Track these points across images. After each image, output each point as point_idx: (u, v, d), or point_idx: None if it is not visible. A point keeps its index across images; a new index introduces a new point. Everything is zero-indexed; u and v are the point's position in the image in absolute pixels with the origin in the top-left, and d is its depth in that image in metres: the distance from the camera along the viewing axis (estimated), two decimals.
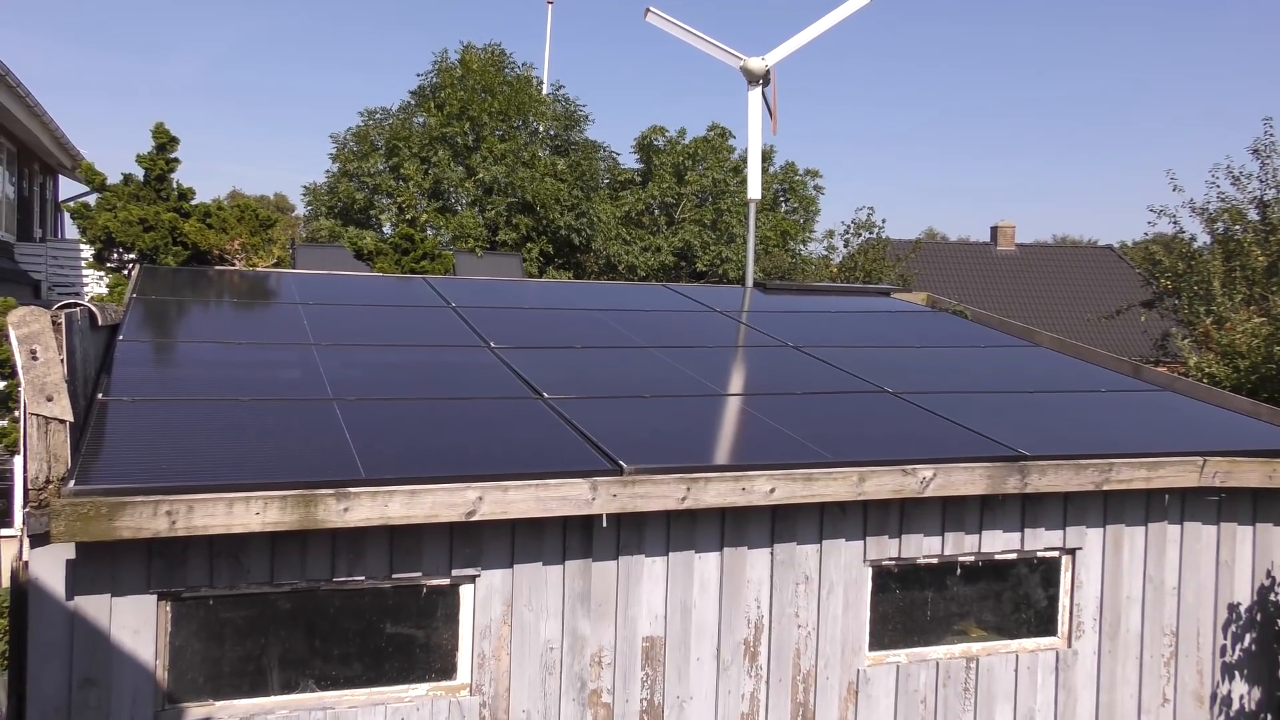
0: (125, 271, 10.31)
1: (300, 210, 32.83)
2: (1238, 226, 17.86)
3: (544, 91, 27.44)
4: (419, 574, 4.74)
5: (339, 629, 4.66)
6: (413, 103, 26.90)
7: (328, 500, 4.30)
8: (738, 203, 27.27)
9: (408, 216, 22.51)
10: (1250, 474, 5.84)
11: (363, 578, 4.64)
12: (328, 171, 26.48)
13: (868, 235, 25.26)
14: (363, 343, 6.82)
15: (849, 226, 25.48)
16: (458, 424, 5.36)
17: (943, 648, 5.67)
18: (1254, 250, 16.58)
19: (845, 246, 25.54)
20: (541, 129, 26.69)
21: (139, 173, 10.97)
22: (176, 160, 10.97)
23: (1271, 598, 6.14)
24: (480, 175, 24.13)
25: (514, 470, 4.75)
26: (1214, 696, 6.07)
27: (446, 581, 4.82)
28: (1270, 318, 13.20)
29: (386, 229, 24.81)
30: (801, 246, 29.52)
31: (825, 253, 26.43)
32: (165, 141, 10.85)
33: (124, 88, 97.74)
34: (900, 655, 5.58)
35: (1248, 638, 6.11)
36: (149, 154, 10.87)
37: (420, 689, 4.78)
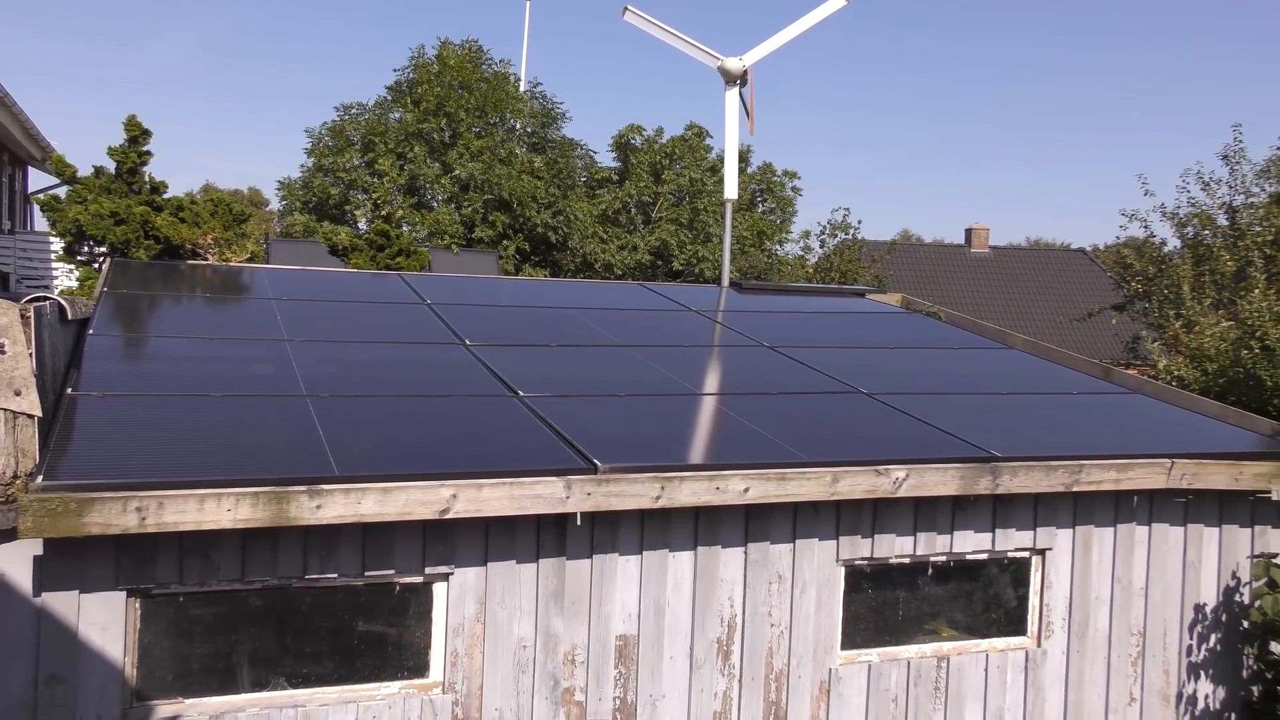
0: (96, 265, 10.20)
1: (275, 205, 32.61)
2: (1207, 231, 18.07)
3: (521, 89, 27.39)
4: (392, 572, 4.72)
5: (311, 627, 4.64)
6: (389, 98, 26.79)
7: (300, 497, 4.28)
8: (715, 202, 27.33)
9: (383, 213, 22.42)
10: (1217, 476, 5.91)
11: (335, 575, 4.61)
12: (303, 166, 26.31)
13: (844, 236, 25.38)
14: (337, 339, 6.78)
15: (825, 227, 25.59)
16: (432, 421, 5.34)
17: (914, 647, 5.70)
18: (1223, 255, 16.78)
19: (821, 247, 25.65)
20: (519, 126, 26.65)
21: (110, 165, 10.85)
22: (149, 153, 10.86)
23: (1237, 598, 6.22)
24: (457, 172, 24.06)
25: (488, 468, 4.74)
26: (1180, 696, 6.14)
27: (420, 579, 4.81)
28: (1238, 322, 13.36)
29: (362, 225, 24.69)
30: (778, 247, 29.62)
31: (801, 253, 26.55)
32: (137, 134, 10.74)
33: (96, 79, 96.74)
34: (872, 654, 5.61)
35: (1213, 638, 6.19)
36: (121, 146, 10.76)
37: (393, 687, 4.76)
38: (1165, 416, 6.90)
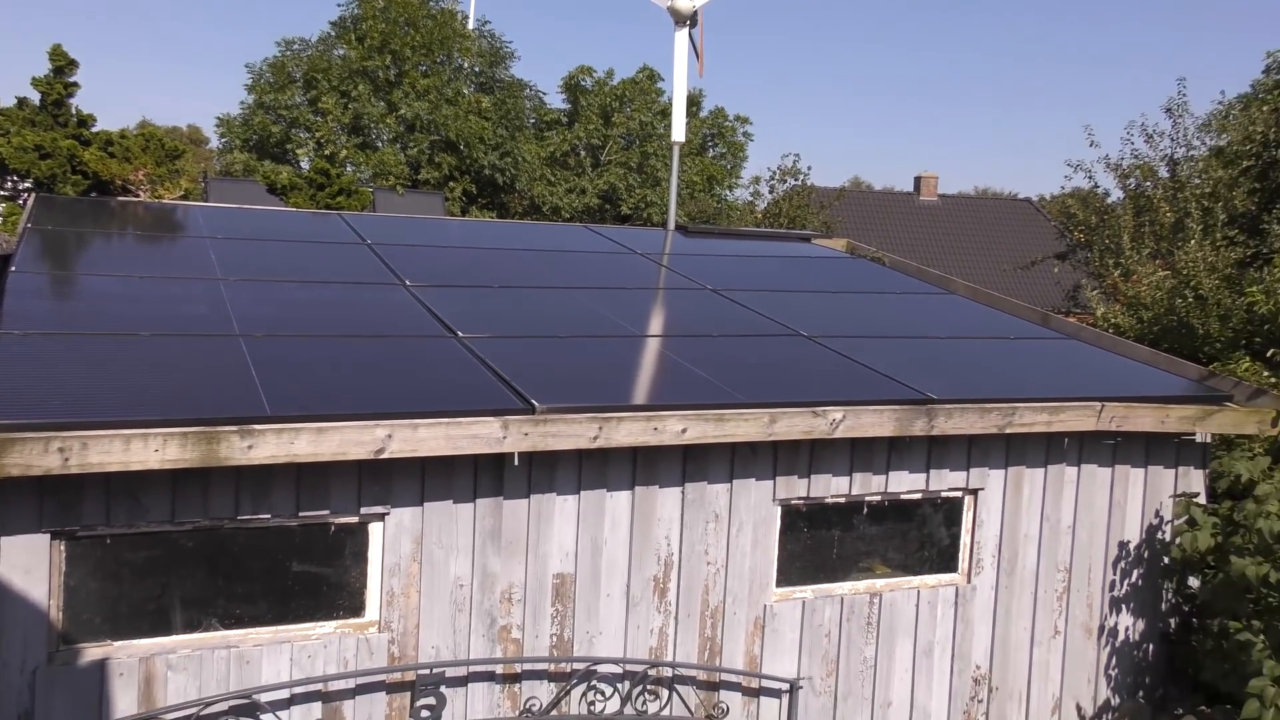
0: (20, 200, 9.88)
1: (215, 143, 31.74)
2: (1149, 183, 18.30)
3: (469, 27, 26.83)
4: (327, 512, 4.69)
5: (244, 568, 4.60)
6: (332, 34, 26.10)
7: (231, 437, 4.22)
8: (665, 146, 27.13)
9: (326, 152, 21.95)
10: (1144, 419, 6.05)
11: (268, 516, 4.57)
12: (243, 103, 25.60)
13: (793, 182, 25.36)
14: (273, 278, 6.66)
15: (775, 173, 25.54)
16: (369, 362, 5.28)
17: (848, 584, 5.81)
18: (1163, 206, 17.02)
19: (771, 193, 25.62)
20: (466, 65, 26.15)
21: (35, 97, 10.47)
22: (75, 84, 10.49)
23: (1159, 536, 6.40)
24: (402, 111, 23.59)
25: (425, 408, 4.71)
26: (1102, 629, 6.34)
27: (355, 520, 4.78)
28: (1174, 271, 13.61)
29: (304, 164, 24.16)
30: (728, 192, 29.54)
31: (751, 199, 26.50)
32: (63, 64, 10.36)
33: (20, 6, 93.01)
34: (807, 591, 5.71)
35: (1135, 573, 6.38)
36: (45, 77, 10.38)
37: (327, 627, 4.76)
38: (1098, 361, 7.03)
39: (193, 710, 4.38)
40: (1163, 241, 16.75)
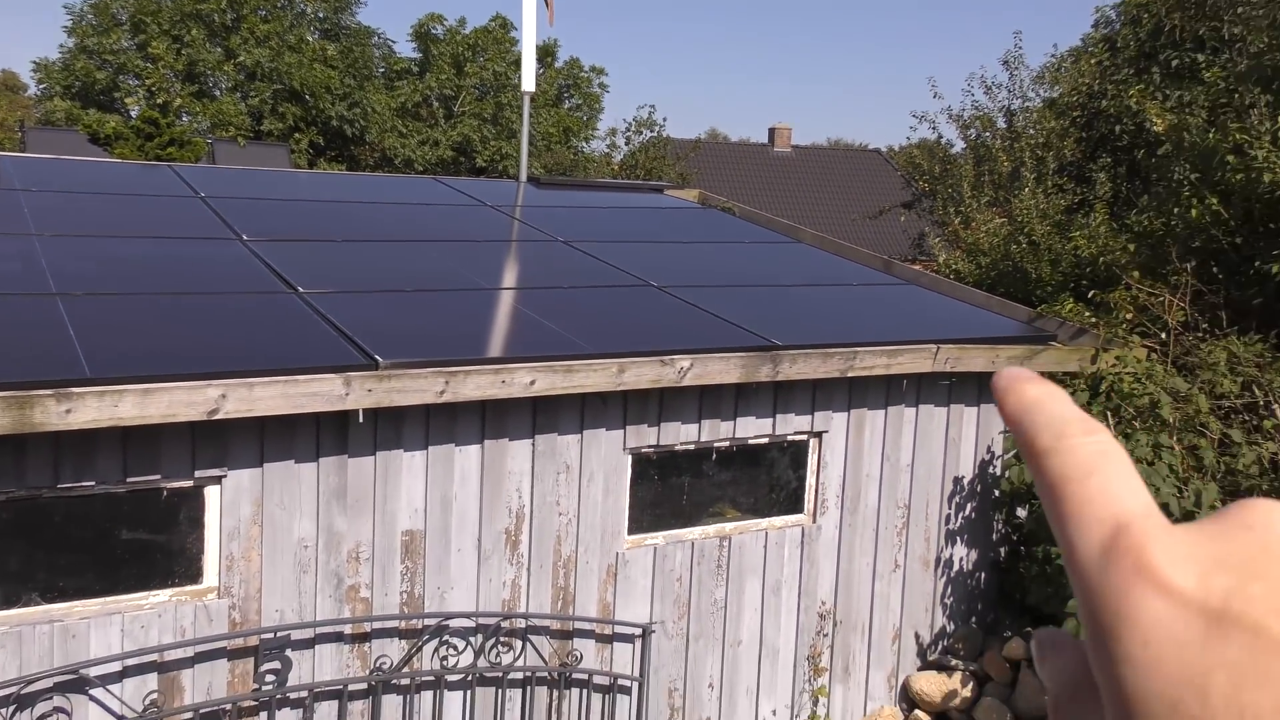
0: None
1: (33, 90, 29.64)
2: (988, 133, 19.02)
3: None
4: (158, 477, 4.49)
5: (68, 538, 4.38)
6: None
7: (46, 402, 3.98)
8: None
9: (159, 101, 20.80)
10: (976, 359, 6.33)
11: (93, 483, 4.35)
12: (63, 47, 23.93)
13: (649, 134, 25.37)
14: (94, 233, 6.29)
15: (630, 125, 25.49)
16: (200, 319, 5.05)
17: (698, 529, 5.93)
18: (1000, 156, 17.73)
19: (627, 145, 25.58)
20: (309, 10, 25.09)
21: None
22: None
23: (990, 470, 6.74)
24: (241, 59, 22.52)
25: (262, 366, 4.54)
26: (938, 560, 6.66)
27: (189, 483, 4.60)
28: (1010, 218, 14.24)
29: (135, 113, 22.83)
30: (584, 144, 29.36)
31: (608, 150, 26.40)
32: None
33: None
34: (658, 538, 5.79)
35: (969, 507, 6.71)
36: None
37: (162, 595, 4.58)
38: (935, 306, 7.30)
39: (14, 689, 4.16)
40: (1000, 190, 17.48)
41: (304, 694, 4.83)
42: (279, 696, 4.76)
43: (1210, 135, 8.45)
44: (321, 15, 25.51)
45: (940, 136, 20.09)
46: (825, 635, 6.32)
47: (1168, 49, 14.13)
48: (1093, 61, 15.95)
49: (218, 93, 22.92)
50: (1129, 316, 7.46)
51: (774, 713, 6.21)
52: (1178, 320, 7.21)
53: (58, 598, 4.35)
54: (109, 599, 4.46)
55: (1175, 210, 8.74)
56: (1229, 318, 7.84)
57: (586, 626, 5.58)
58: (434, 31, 27.14)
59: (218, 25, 23.01)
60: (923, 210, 20.63)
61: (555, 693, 5.49)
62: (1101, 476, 0.31)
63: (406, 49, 28.02)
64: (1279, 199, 7.90)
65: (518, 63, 27.63)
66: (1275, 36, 8.65)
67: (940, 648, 6.70)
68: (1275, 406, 6.36)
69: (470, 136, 26.08)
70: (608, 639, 5.65)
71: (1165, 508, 5.50)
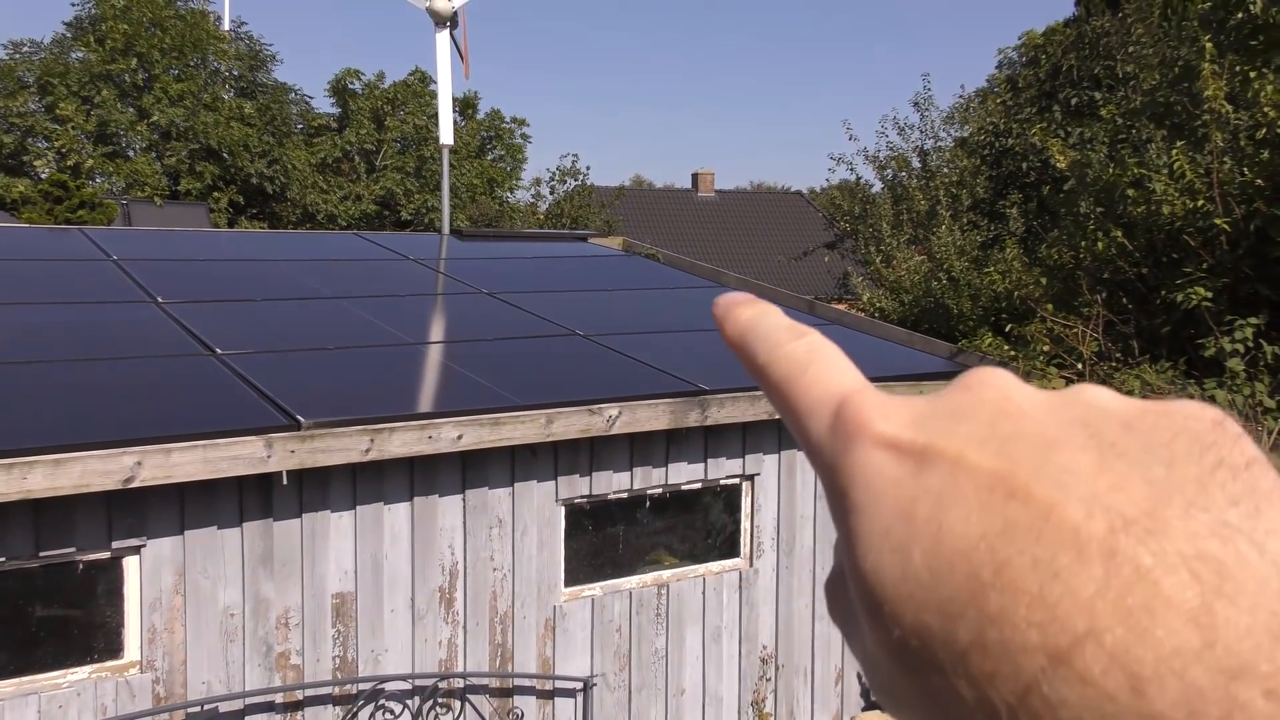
0: None
1: None
2: (903, 173, 19.52)
3: (223, 28, 25.50)
4: (73, 550, 4.34)
5: None
6: (68, 35, 24.19)
7: None
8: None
9: (69, 163, 20.36)
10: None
11: (3, 559, 4.18)
12: None
13: (573, 183, 25.53)
14: None
15: (554, 174, 25.63)
16: (114, 386, 4.92)
17: (636, 577, 5.89)
18: (917, 195, 18.19)
19: (551, 194, 25.71)
20: (223, 69, 24.84)
21: None
22: None
23: None
24: (155, 118, 22.16)
25: (179, 431, 4.43)
26: None
27: (106, 555, 4.44)
28: (929, 256, 14.58)
29: (45, 176, 22.30)
30: (509, 194, 29.40)
31: (533, 200, 26.49)
32: None
33: None
34: (595, 589, 5.74)
35: None
36: None
37: (81, 672, 4.40)
38: (860, 344, 7.41)
39: None
40: (919, 228, 17.92)
41: None
42: None
43: (1110, 170, 8.77)
44: (236, 74, 25.27)
45: (859, 178, 20.53)
46: (768, 680, 6.30)
47: (1066, 88, 14.69)
48: (998, 101, 16.49)
49: (131, 153, 22.50)
50: (1045, 348, 7.66)
51: None
52: (1092, 350, 7.42)
53: None
54: (24, 679, 4.27)
55: (1083, 244, 9.04)
56: (1140, 346, 8.10)
57: (526, 683, 5.49)
58: (351, 87, 27.05)
59: (129, 85, 22.65)
60: (845, 250, 21.02)
61: None
62: (816, 367, 0.34)
63: (325, 105, 27.87)
64: (1178, 230, 8.21)
65: (438, 116, 27.62)
66: (1166, 74, 9.05)
67: None
68: None
69: (394, 190, 25.95)
70: (549, 694, 5.57)
71: None
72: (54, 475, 4.03)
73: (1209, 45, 8.11)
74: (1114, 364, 7.46)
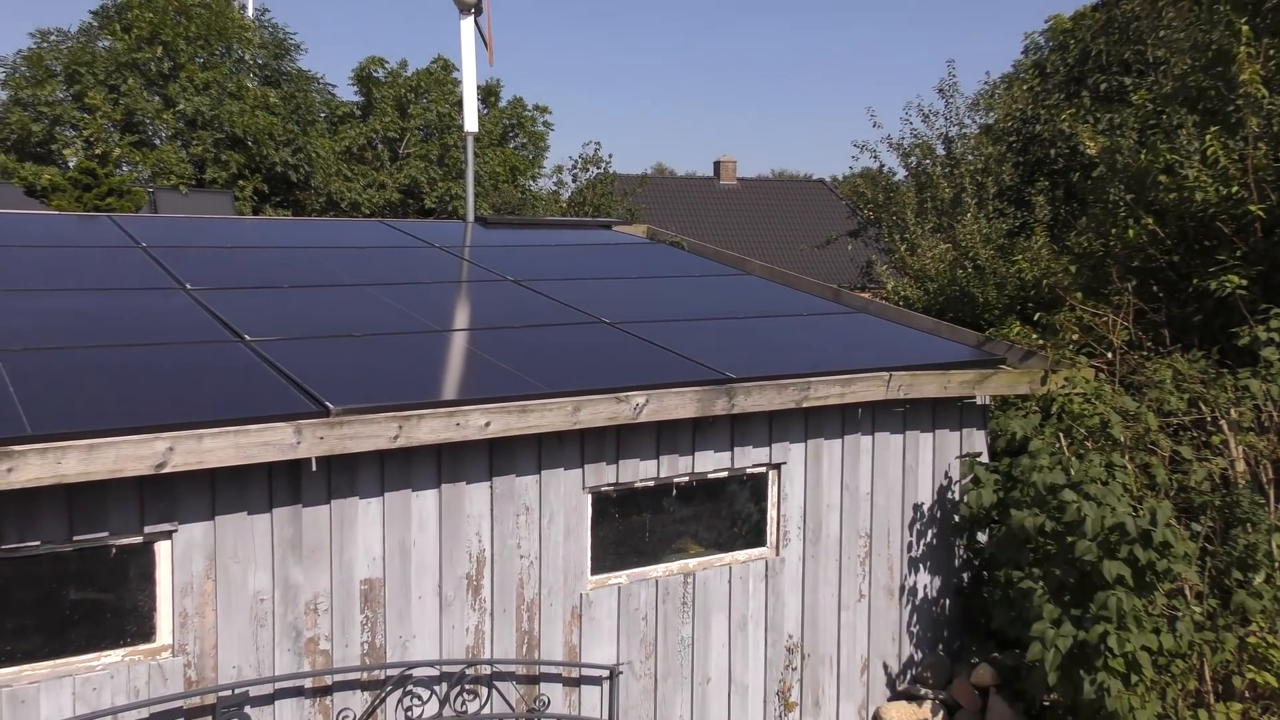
0: None
1: None
2: (927, 161, 19.35)
3: (248, 16, 25.57)
4: (105, 534, 4.37)
5: (13, 600, 4.23)
6: (95, 24, 24.30)
7: None
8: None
9: (97, 151, 20.49)
10: (929, 385, 6.39)
11: (38, 543, 4.22)
12: None
13: (596, 171, 25.49)
14: (30, 287, 6.15)
15: (576, 162, 25.60)
16: (146, 371, 4.95)
17: (662, 566, 5.88)
18: (941, 183, 18.04)
19: (574, 182, 25.67)
20: (248, 57, 24.92)
21: None
22: None
23: (949, 495, 6.79)
24: (181, 107, 22.24)
25: (209, 417, 4.45)
26: (902, 588, 6.67)
27: (139, 540, 4.48)
28: (954, 244, 14.46)
29: (74, 164, 22.44)
30: (531, 182, 29.38)
31: (555, 188, 26.49)
32: None
33: None
34: (621, 577, 5.74)
35: (930, 533, 6.74)
36: None
37: (115, 655, 4.44)
38: (885, 333, 7.37)
39: None
40: (944, 216, 17.77)
41: None
42: None
43: (1141, 156, 8.66)
44: (261, 62, 25.33)
45: (882, 165, 20.37)
46: (794, 669, 6.29)
47: (1096, 73, 14.51)
48: (1024, 87, 16.32)
49: (158, 141, 22.61)
50: (1074, 337, 7.58)
51: None
52: (1122, 339, 7.33)
53: (5, 662, 4.20)
54: (59, 661, 4.31)
55: (1113, 231, 8.92)
56: (1171, 335, 8.00)
57: (553, 670, 5.50)
58: (375, 75, 27.05)
59: (155, 74, 22.73)
60: (869, 238, 20.89)
61: None
62: None
63: (348, 93, 27.91)
64: (1211, 217, 8.10)
65: (461, 103, 27.61)
66: (1197, 58, 8.92)
67: (909, 677, 6.69)
68: (1222, 422, 6.48)
69: (417, 178, 25.98)
70: (575, 682, 5.57)
71: (1122, 527, 5.55)
72: (88, 460, 4.06)
73: (1245, 28, 7.97)
74: (1145, 353, 7.37)
